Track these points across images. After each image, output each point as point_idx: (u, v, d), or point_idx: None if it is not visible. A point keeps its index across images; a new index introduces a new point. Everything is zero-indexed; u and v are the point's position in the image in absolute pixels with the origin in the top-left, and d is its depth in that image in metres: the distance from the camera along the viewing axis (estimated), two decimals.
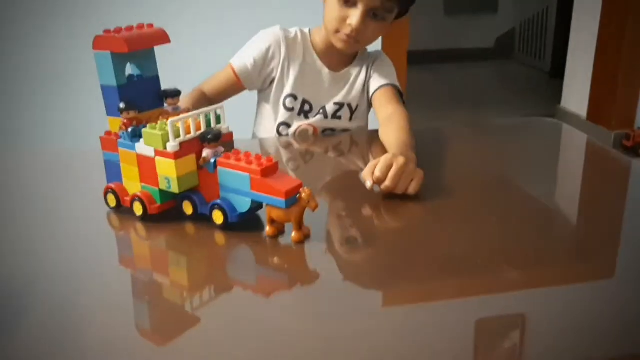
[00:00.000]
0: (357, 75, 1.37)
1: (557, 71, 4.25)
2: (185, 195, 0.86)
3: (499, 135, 1.38)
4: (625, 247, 0.84)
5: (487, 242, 0.84)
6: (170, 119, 0.81)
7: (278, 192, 0.78)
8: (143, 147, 0.84)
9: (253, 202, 0.82)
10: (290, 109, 1.34)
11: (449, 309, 0.70)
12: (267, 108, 1.37)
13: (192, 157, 0.84)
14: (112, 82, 0.86)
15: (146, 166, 0.85)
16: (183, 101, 1.03)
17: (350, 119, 1.37)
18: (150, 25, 0.89)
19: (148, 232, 0.88)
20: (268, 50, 1.32)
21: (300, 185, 0.80)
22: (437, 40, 5.30)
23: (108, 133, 0.90)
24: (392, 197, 0.95)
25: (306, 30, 1.37)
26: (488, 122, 1.74)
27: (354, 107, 1.36)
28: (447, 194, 0.99)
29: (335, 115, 1.36)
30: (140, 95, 0.88)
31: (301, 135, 1.34)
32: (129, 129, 0.86)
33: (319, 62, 1.35)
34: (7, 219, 0.95)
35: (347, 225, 0.91)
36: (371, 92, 1.35)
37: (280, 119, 1.35)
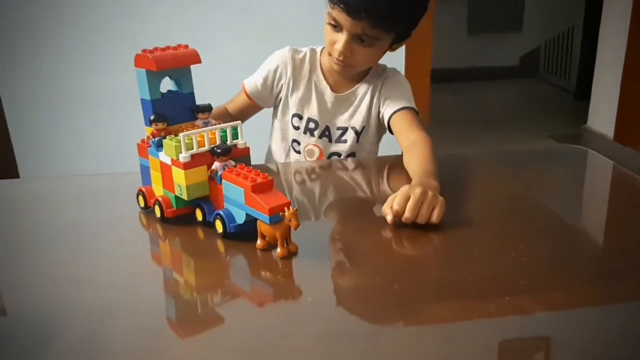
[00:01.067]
0: (362, 97, 1.35)
1: (583, 92, 4.21)
2: (197, 202, 0.94)
3: (524, 163, 1.36)
4: None
5: (514, 266, 0.83)
6: (183, 133, 0.88)
7: (263, 208, 0.83)
8: (164, 156, 0.93)
9: (247, 215, 0.87)
10: (297, 128, 1.36)
11: (473, 330, 0.69)
12: (277, 124, 1.40)
13: (203, 169, 0.91)
14: (147, 96, 0.95)
15: (166, 173, 0.94)
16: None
17: (357, 141, 1.36)
18: (185, 46, 0.97)
19: (158, 238, 0.96)
20: (276, 70, 1.36)
21: (287, 204, 0.83)
22: (460, 58, 5.29)
23: (143, 140, 0.99)
24: (414, 226, 0.93)
25: (318, 49, 1.39)
26: (514, 148, 1.73)
27: (359, 129, 1.35)
28: (472, 221, 0.98)
29: (340, 140, 1.36)
30: (174, 109, 0.97)
31: (309, 154, 1.37)
32: (156, 139, 0.94)
33: (323, 83, 1.36)
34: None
35: (341, 247, 0.92)
36: (386, 117, 1.32)
37: (292, 136, 1.39)
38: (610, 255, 0.92)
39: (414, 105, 1.33)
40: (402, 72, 2.47)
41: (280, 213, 0.82)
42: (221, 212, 0.89)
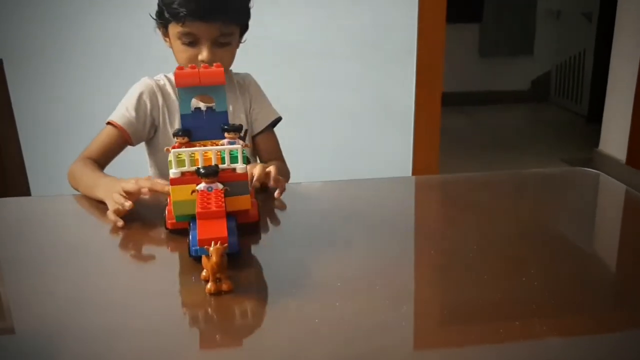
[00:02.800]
0: (233, 103, 1.39)
1: (595, 115, 4.20)
2: (192, 219, 0.92)
3: (536, 185, 1.36)
4: None
5: (525, 290, 0.82)
6: (174, 150, 0.90)
7: (194, 237, 0.85)
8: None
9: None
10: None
11: (483, 355, 0.67)
12: (160, 156, 1.37)
13: (191, 187, 0.90)
14: (181, 110, 0.99)
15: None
16: (81, 172, 1.20)
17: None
18: (218, 65, 0.99)
19: (163, 257, 0.97)
20: (142, 99, 1.34)
21: (223, 239, 0.79)
22: (471, 82, 5.30)
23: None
24: (422, 246, 0.93)
25: (170, 74, 1.39)
26: (526, 171, 1.73)
27: (242, 134, 1.38)
28: (483, 243, 0.98)
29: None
30: (205, 126, 0.99)
31: None
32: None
33: (193, 100, 1.36)
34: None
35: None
36: (255, 130, 1.43)
37: None
38: (622, 280, 0.91)
39: (276, 115, 1.44)
40: (413, 94, 2.51)
41: (206, 247, 0.78)
42: (190, 232, 0.89)
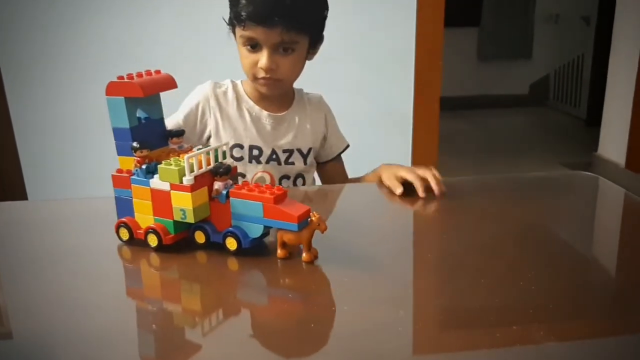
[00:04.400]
0: (302, 118, 1.38)
1: (594, 119, 4.20)
2: (197, 225, 0.92)
3: (534, 189, 1.35)
4: None
5: (522, 295, 0.81)
6: (187, 155, 0.88)
7: (291, 217, 0.85)
8: (158, 183, 0.91)
9: (265, 227, 0.88)
10: (239, 159, 1.32)
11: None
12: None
13: (204, 190, 0.91)
14: (125, 124, 0.94)
15: (160, 200, 0.92)
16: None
17: (305, 163, 1.37)
18: (158, 72, 0.97)
19: (162, 263, 0.92)
20: (198, 106, 1.33)
21: (309, 210, 0.86)
22: (470, 86, 5.30)
23: (119, 171, 0.96)
24: (420, 249, 0.92)
25: (238, 81, 1.38)
26: (524, 174, 1.73)
27: (305, 151, 1.37)
28: (480, 247, 0.97)
29: (287, 162, 1.35)
30: (148, 136, 0.96)
31: (260, 181, 1.32)
32: (143, 166, 0.93)
33: (256, 108, 1.35)
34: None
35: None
36: (328, 157, 1.44)
37: None
38: (621, 284, 0.90)
39: (346, 144, 1.48)
40: (412, 99, 2.51)
41: (308, 219, 0.85)
42: (232, 230, 0.89)
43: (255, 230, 0.89)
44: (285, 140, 1.35)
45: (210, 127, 1.33)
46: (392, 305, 0.78)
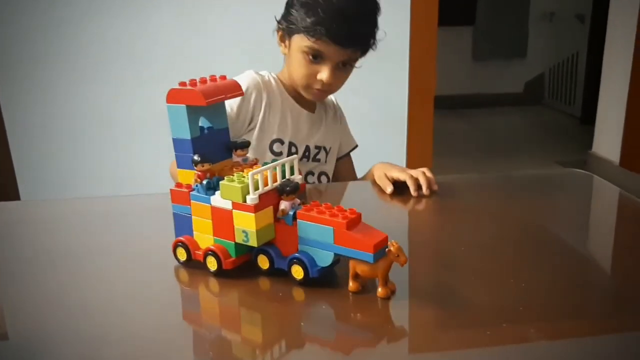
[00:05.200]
0: (326, 117, 1.42)
1: (588, 117, 4.21)
2: (260, 249, 0.84)
3: (529, 187, 1.35)
4: None
5: (516, 293, 0.81)
6: (251, 172, 0.79)
7: (366, 245, 0.75)
8: (219, 200, 0.83)
9: (335, 256, 0.79)
10: (279, 154, 1.32)
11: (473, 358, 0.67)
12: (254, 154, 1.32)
13: (269, 210, 0.82)
14: (186, 134, 0.85)
15: (221, 219, 0.84)
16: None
17: (326, 160, 1.41)
18: (223, 77, 0.89)
19: (220, 288, 0.84)
20: (251, 94, 1.30)
21: (387, 239, 0.76)
22: (465, 85, 5.31)
23: (178, 185, 0.88)
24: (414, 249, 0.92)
25: (274, 74, 1.37)
26: (519, 172, 1.74)
27: (328, 149, 1.41)
28: (474, 246, 0.96)
29: (315, 158, 1.38)
30: (211, 147, 0.87)
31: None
32: (204, 182, 0.85)
33: (297, 105, 1.36)
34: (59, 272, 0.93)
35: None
36: (339, 153, 1.46)
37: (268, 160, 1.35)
38: (615, 283, 0.90)
39: (355, 143, 1.51)
40: (406, 98, 2.51)
41: (386, 249, 0.75)
42: (299, 256, 0.80)
43: (324, 258, 0.80)
44: (316, 138, 1.38)
45: (259, 117, 1.31)
46: (388, 304, 0.78)
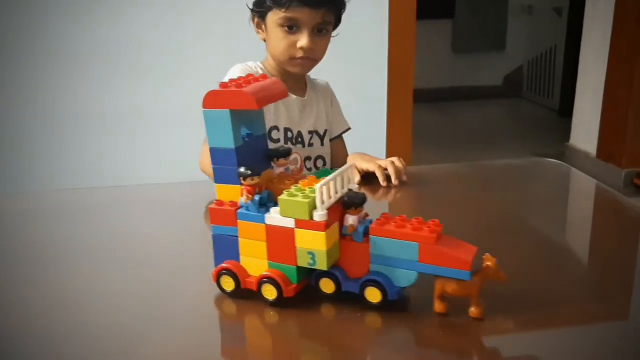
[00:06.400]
0: (317, 101, 1.43)
1: (566, 109, 4.24)
2: (324, 271, 0.74)
3: (504, 176, 1.36)
4: (637, 289, 0.82)
5: (492, 284, 0.80)
6: (319, 184, 0.71)
7: (461, 262, 0.68)
8: (277, 218, 0.73)
9: (417, 274, 0.72)
10: (277, 140, 1.36)
11: (450, 347, 0.68)
12: None
13: (336, 226, 0.73)
14: (229, 143, 0.75)
15: (279, 240, 0.74)
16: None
17: (322, 144, 1.42)
18: (264, 76, 0.80)
19: (279, 317, 0.74)
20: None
21: (476, 252, 0.70)
22: (445, 78, 5.32)
23: (219, 203, 0.78)
24: None
25: (259, 63, 1.39)
26: (493, 161, 1.74)
27: (321, 132, 1.43)
28: (451, 234, 0.96)
29: (309, 143, 1.40)
30: (251, 157, 0.77)
31: (292, 163, 1.38)
32: (256, 197, 0.74)
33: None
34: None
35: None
36: (330, 135, 1.46)
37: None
38: (590, 273, 0.91)
39: (347, 125, 1.51)
40: (385, 91, 2.51)
41: (484, 265, 0.69)
42: (374, 277, 0.72)
43: (404, 278, 0.72)
44: (309, 123, 1.40)
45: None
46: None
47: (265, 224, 0.74)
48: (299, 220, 0.71)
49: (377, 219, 0.73)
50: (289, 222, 0.72)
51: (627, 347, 0.68)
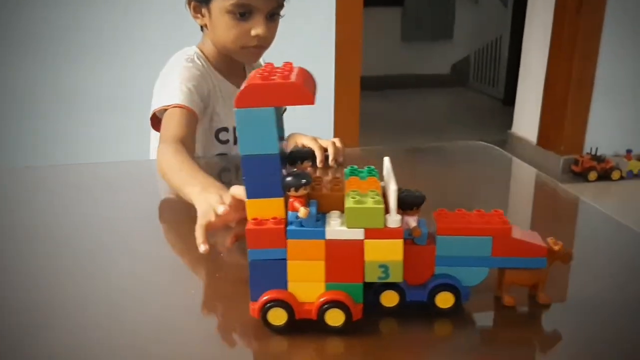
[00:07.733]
0: None
1: (510, 98, 4.35)
2: (385, 283, 0.66)
3: (437, 159, 1.39)
4: (574, 273, 0.82)
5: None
6: (392, 186, 0.63)
7: (539, 250, 0.65)
8: (342, 231, 0.63)
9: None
10: (226, 142, 1.28)
11: (392, 340, 0.68)
12: (199, 139, 1.23)
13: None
14: (272, 149, 0.62)
15: (342, 256, 0.64)
16: (175, 170, 0.98)
17: None
18: (289, 64, 0.69)
19: (345, 345, 0.65)
20: (198, 76, 1.21)
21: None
22: (393, 66, 5.37)
23: (257, 222, 0.64)
24: None
25: (197, 50, 1.26)
26: (426, 145, 1.79)
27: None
28: None
29: None
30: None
31: None
32: (312, 210, 0.63)
33: (228, 84, 1.27)
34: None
35: None
36: None
37: (217, 151, 1.28)
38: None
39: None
40: (333, 79, 2.53)
41: (554, 248, 0.67)
42: (445, 281, 0.66)
43: (475, 276, 0.67)
44: None
45: (206, 102, 1.22)
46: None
47: (326, 239, 0.63)
48: (370, 229, 0.63)
49: (440, 217, 0.68)
50: (358, 234, 0.63)
51: (567, 330, 0.68)
